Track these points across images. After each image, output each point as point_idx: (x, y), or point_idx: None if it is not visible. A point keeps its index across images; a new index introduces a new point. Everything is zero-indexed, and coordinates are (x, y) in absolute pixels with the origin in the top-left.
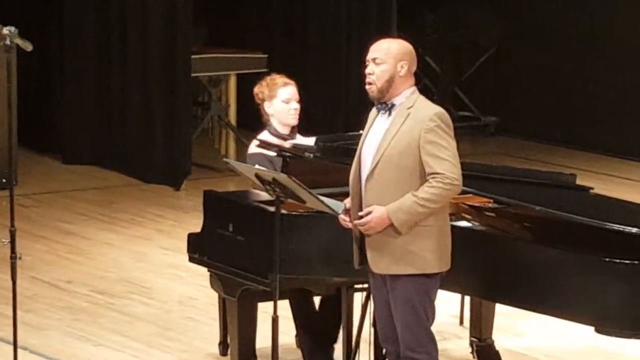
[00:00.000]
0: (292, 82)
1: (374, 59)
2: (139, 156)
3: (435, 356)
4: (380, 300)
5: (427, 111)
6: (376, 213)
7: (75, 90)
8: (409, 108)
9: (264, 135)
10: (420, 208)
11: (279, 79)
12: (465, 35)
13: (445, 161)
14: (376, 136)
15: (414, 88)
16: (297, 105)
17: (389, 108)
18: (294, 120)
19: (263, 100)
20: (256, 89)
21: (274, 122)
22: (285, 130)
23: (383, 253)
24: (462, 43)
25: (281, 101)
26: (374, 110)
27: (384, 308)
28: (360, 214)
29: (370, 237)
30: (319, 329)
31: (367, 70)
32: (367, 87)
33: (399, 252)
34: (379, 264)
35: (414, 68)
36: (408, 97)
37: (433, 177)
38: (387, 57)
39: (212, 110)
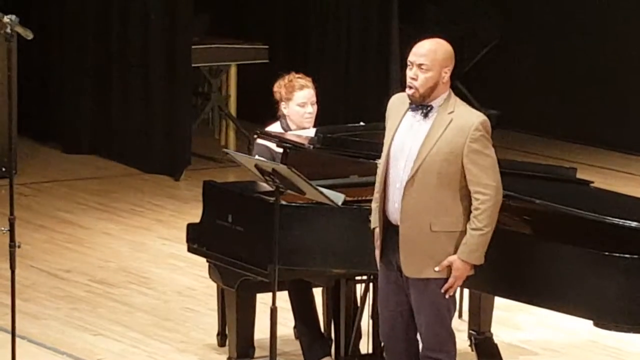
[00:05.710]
0: (310, 85)
1: (420, 65)
2: (138, 146)
3: (454, 355)
4: (390, 297)
5: (471, 118)
6: (455, 265)
7: (75, 79)
8: (449, 113)
9: (275, 127)
10: (484, 237)
11: (297, 80)
12: (467, 29)
13: (488, 169)
14: (412, 138)
15: (450, 90)
16: (313, 109)
17: (426, 111)
18: (309, 124)
19: (280, 100)
20: (275, 88)
21: (289, 121)
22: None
23: (420, 256)
24: (463, 36)
25: (297, 104)
26: (396, 103)
27: (393, 305)
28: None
29: (405, 240)
30: (318, 321)
31: (411, 75)
32: (408, 91)
33: (437, 256)
34: (410, 266)
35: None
36: (445, 100)
37: (475, 198)
38: (434, 65)
39: (213, 101)
